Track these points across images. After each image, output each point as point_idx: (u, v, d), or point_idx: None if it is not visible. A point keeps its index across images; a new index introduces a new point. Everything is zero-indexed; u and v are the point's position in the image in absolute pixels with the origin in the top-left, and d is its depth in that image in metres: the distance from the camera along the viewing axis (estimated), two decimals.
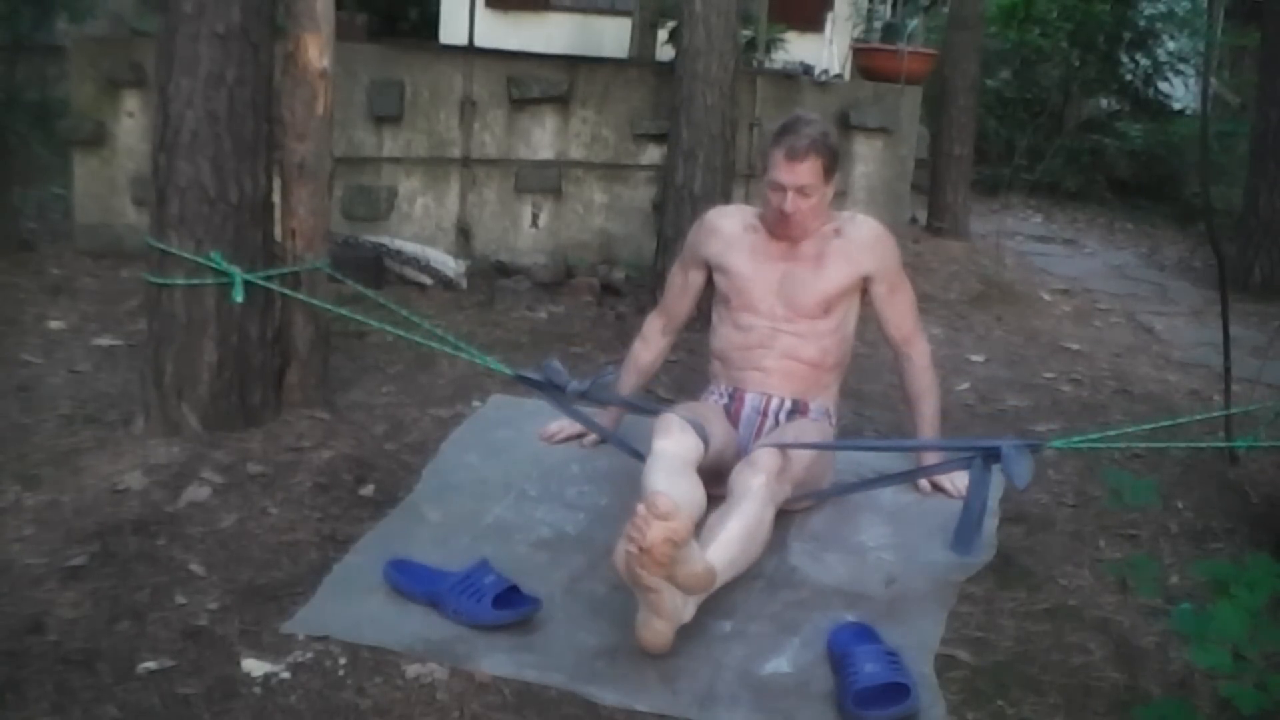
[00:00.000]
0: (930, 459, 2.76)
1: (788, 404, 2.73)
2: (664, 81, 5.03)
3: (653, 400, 3.21)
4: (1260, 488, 3.04)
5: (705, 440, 2.45)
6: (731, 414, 2.74)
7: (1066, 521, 2.75)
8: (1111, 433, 2.92)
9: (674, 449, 2.36)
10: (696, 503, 2.24)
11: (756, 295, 2.74)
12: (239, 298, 2.88)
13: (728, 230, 2.83)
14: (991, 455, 2.47)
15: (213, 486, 2.63)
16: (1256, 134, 6.45)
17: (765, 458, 2.39)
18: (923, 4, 8.07)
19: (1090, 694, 2.01)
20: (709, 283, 2.90)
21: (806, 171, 2.62)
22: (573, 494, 2.73)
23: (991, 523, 2.63)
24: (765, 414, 2.72)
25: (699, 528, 2.19)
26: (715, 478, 2.64)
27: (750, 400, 2.74)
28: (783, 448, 2.45)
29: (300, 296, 3.09)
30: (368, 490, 2.70)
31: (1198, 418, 3.41)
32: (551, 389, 2.81)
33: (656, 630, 2.00)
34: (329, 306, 3.16)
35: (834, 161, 2.69)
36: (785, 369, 2.72)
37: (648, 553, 1.91)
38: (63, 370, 3.45)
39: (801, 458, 2.52)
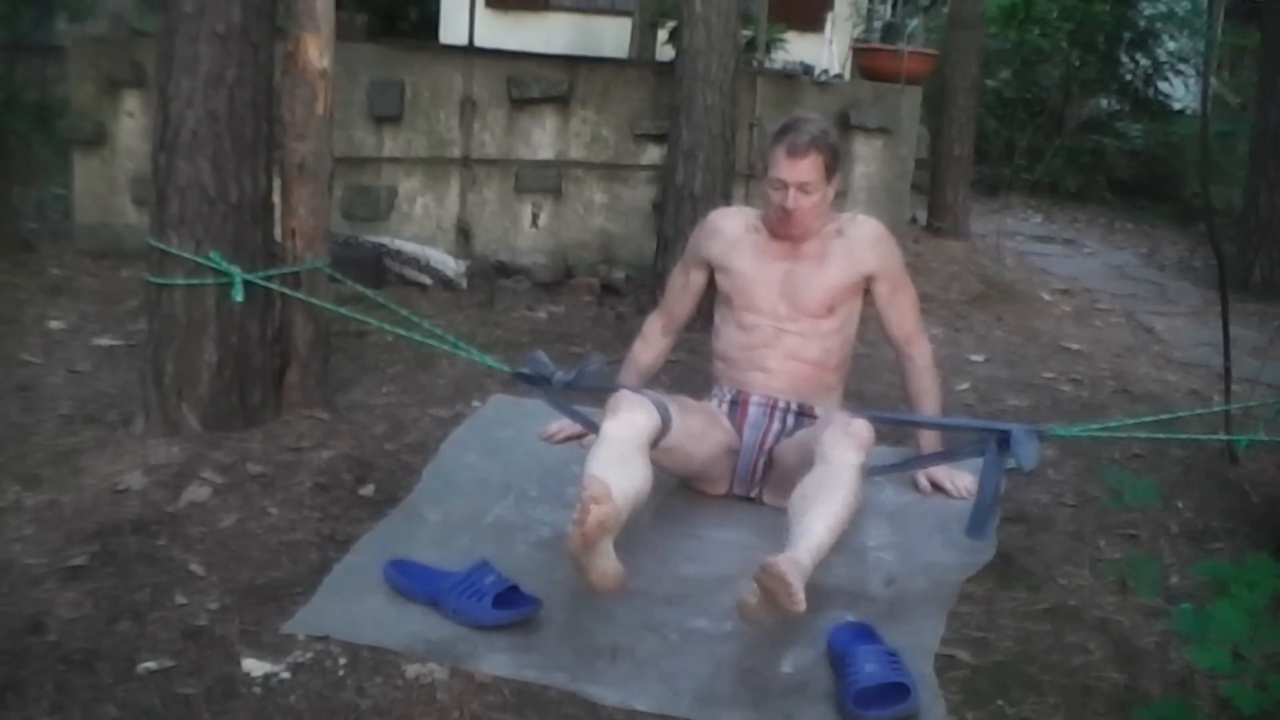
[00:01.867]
0: (934, 444, 2.79)
1: (794, 406, 2.72)
2: (664, 81, 5.03)
3: None
4: (1260, 488, 3.04)
5: (665, 419, 2.36)
6: (737, 418, 2.73)
7: (1066, 521, 2.75)
8: (1113, 424, 2.93)
9: (618, 433, 2.26)
10: (634, 490, 2.17)
11: (759, 294, 2.74)
12: (239, 297, 2.88)
13: (730, 231, 2.83)
14: (1002, 440, 2.49)
15: (213, 486, 2.63)
16: (1256, 134, 6.45)
17: (864, 430, 2.31)
18: (923, 4, 8.09)
19: (1090, 694, 2.01)
20: (710, 284, 2.90)
21: (808, 168, 2.63)
22: (573, 494, 2.70)
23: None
24: (771, 416, 2.71)
25: (791, 500, 2.21)
26: (707, 479, 2.64)
27: (755, 403, 2.73)
28: (873, 419, 2.41)
29: (300, 296, 3.09)
30: (368, 490, 2.70)
31: (1198, 411, 3.41)
32: (539, 381, 2.81)
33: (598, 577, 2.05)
34: (329, 306, 3.16)
35: (835, 160, 2.69)
36: (789, 370, 2.72)
37: (584, 533, 1.98)
38: (63, 370, 3.45)
39: None
